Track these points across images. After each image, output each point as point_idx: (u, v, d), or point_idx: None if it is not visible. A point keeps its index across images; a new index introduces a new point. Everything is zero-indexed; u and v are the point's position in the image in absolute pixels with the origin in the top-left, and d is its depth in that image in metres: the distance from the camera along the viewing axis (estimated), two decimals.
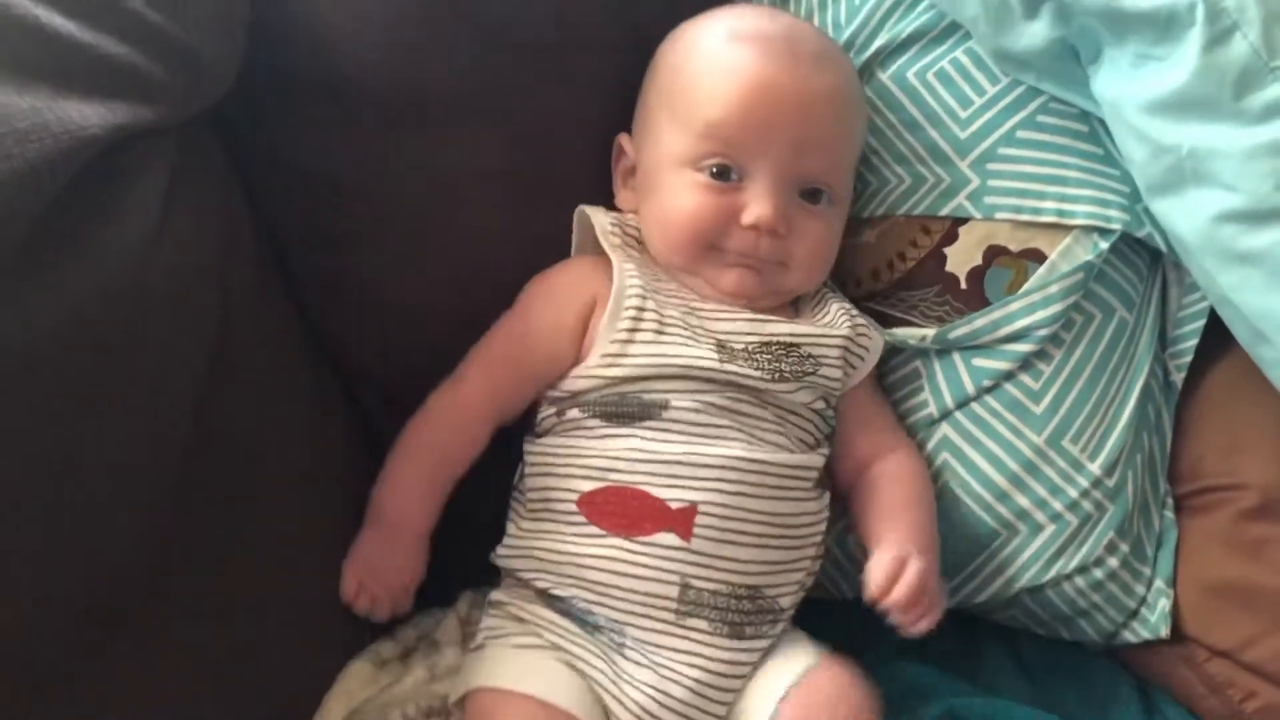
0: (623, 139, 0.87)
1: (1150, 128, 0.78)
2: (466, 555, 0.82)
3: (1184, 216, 0.78)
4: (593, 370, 0.80)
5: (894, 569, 0.77)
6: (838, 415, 0.85)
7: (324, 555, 0.80)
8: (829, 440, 0.85)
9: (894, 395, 0.90)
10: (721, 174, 0.80)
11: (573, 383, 0.81)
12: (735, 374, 0.79)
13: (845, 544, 0.89)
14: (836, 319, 0.84)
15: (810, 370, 0.81)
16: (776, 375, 0.80)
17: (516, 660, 0.76)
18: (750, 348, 0.80)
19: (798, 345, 0.81)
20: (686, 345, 0.79)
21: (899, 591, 0.76)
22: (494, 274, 0.85)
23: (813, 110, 0.80)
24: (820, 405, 0.83)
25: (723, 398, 0.79)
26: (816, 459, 0.82)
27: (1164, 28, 0.75)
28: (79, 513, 0.61)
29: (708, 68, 0.81)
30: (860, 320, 0.86)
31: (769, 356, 0.80)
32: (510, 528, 0.82)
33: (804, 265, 0.83)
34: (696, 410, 0.78)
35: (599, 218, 0.85)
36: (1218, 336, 0.85)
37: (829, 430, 0.85)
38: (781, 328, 0.81)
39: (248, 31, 0.77)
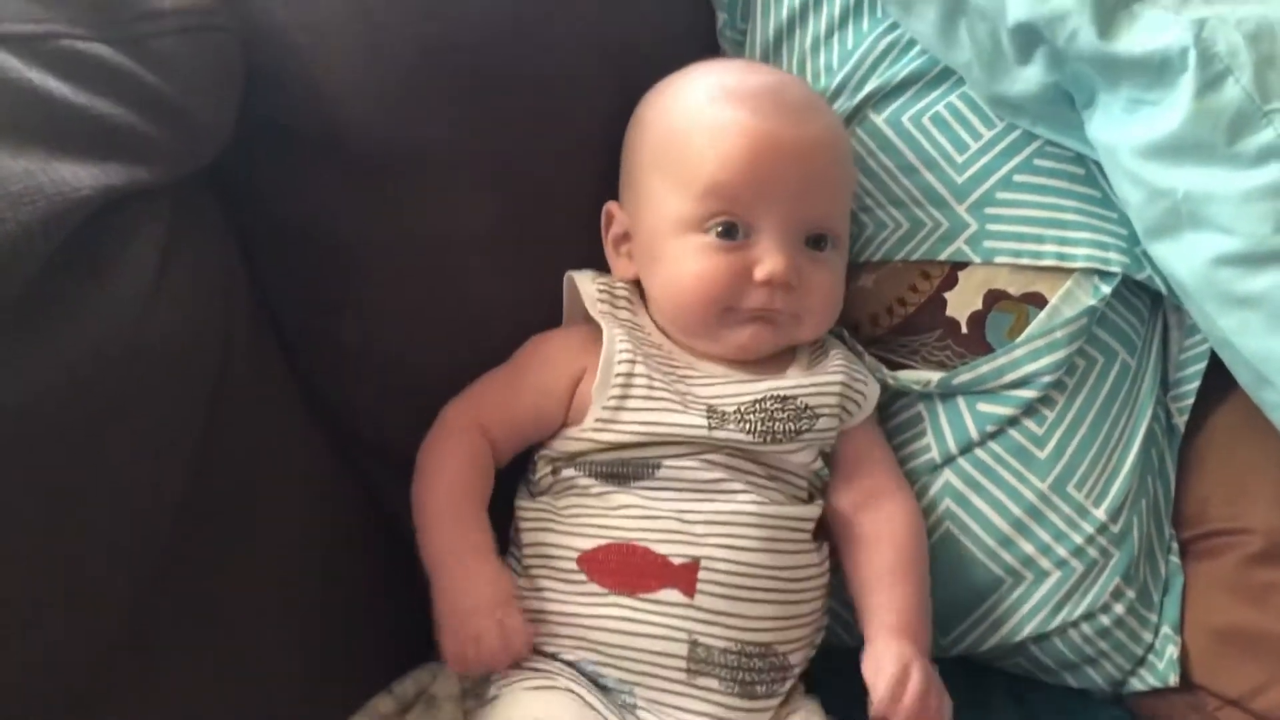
0: (612, 206, 0.86)
1: (1145, 172, 0.77)
2: None
3: (1182, 260, 0.78)
4: (586, 434, 0.79)
5: (897, 683, 0.74)
6: (832, 455, 0.84)
7: (324, 617, 0.80)
8: (823, 493, 0.84)
9: (896, 439, 0.88)
10: (728, 233, 0.79)
11: (567, 444, 0.80)
12: (726, 440, 0.78)
13: (840, 592, 0.88)
14: (832, 365, 0.83)
15: (807, 426, 0.80)
16: (769, 436, 0.79)
17: (534, 700, 0.73)
18: (742, 408, 0.79)
19: (793, 397, 0.80)
20: (676, 412, 0.78)
21: (908, 704, 0.74)
22: (487, 338, 0.85)
23: (810, 158, 0.80)
24: (818, 465, 0.82)
25: (718, 455, 0.79)
26: (813, 510, 0.81)
27: (1157, 74, 0.76)
28: (72, 574, 0.61)
29: (700, 127, 0.80)
30: (858, 369, 0.85)
31: (762, 415, 0.79)
32: (517, 584, 0.80)
33: (816, 315, 0.82)
34: (691, 469, 0.78)
35: (586, 285, 0.84)
36: (1219, 379, 0.84)
37: (823, 484, 0.84)
38: (773, 382, 0.81)
39: (243, 86, 0.77)
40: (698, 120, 0.81)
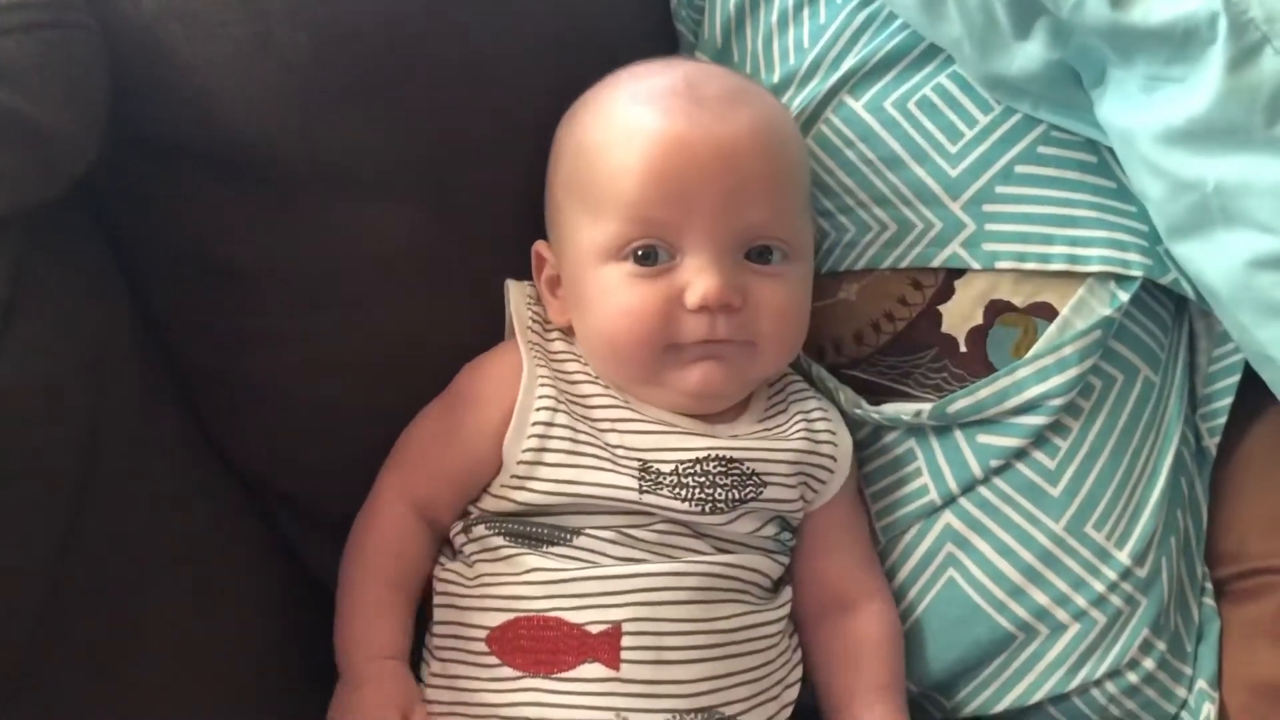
0: (540, 247, 0.79)
1: (1168, 161, 0.72)
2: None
3: (1213, 262, 0.73)
4: (502, 490, 0.73)
5: None
6: (800, 534, 0.79)
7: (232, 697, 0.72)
8: (787, 552, 0.78)
9: (887, 479, 0.82)
10: (648, 257, 0.71)
11: (484, 500, 0.74)
12: (657, 507, 0.71)
13: None
14: (791, 424, 0.77)
15: (753, 494, 0.73)
16: (708, 506, 0.72)
17: None
18: (681, 469, 0.72)
19: (738, 460, 0.73)
20: (603, 470, 0.71)
21: None
22: (410, 371, 0.78)
23: (732, 157, 0.71)
24: (770, 531, 0.76)
25: (648, 531, 0.72)
26: (766, 562, 0.75)
27: (1180, 45, 0.69)
28: None
29: (605, 139, 0.73)
30: (824, 421, 0.78)
31: (702, 480, 0.72)
32: (424, 670, 0.74)
33: (774, 339, 0.74)
34: (612, 542, 0.71)
35: (519, 306, 0.78)
36: (1255, 394, 0.79)
37: (785, 547, 0.78)
38: (719, 441, 0.74)
39: (112, 97, 0.69)
40: (603, 132, 0.74)
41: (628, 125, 0.72)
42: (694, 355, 0.72)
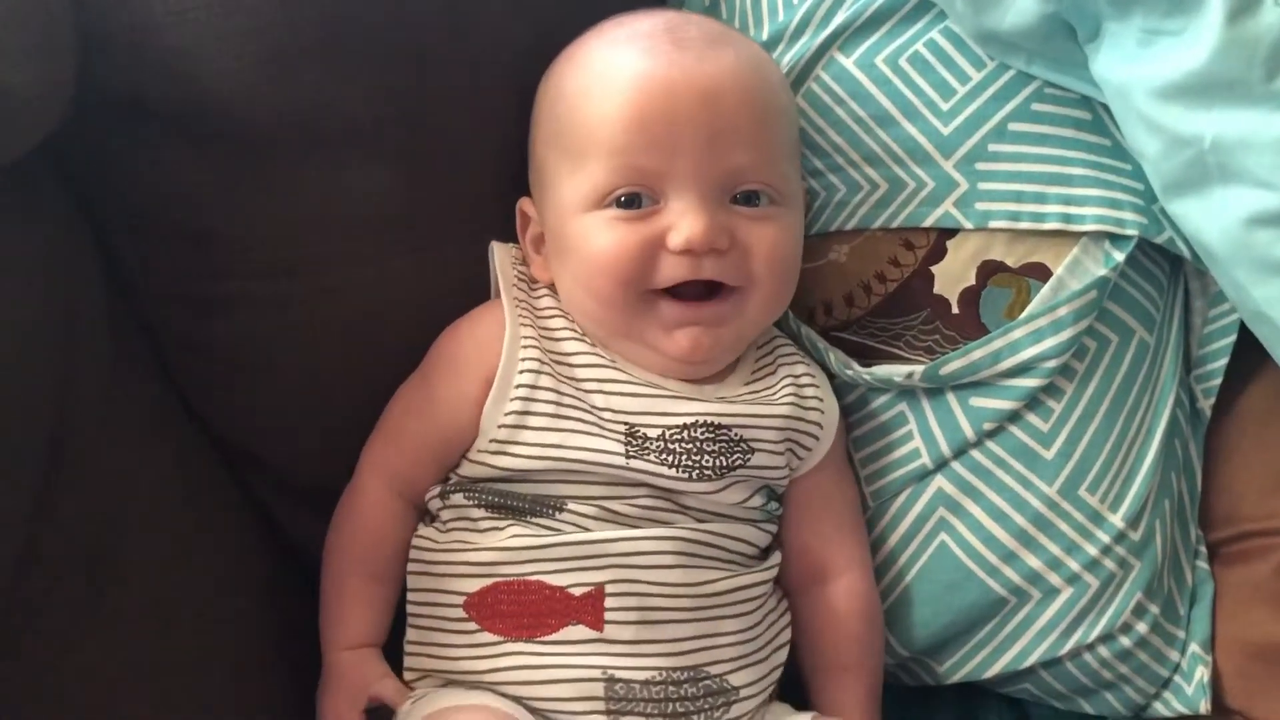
0: (524, 203, 0.77)
1: (1165, 116, 0.70)
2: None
3: (1209, 219, 0.71)
4: (481, 455, 0.71)
5: None
6: (785, 501, 0.77)
7: (208, 676, 0.70)
8: (774, 521, 0.77)
9: (878, 443, 0.80)
10: (631, 202, 0.70)
11: (462, 465, 0.72)
12: (644, 472, 0.70)
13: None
14: (779, 386, 0.75)
15: (740, 461, 0.72)
16: (695, 473, 0.70)
17: (463, 695, 0.68)
18: (668, 435, 0.70)
19: (726, 427, 0.71)
20: (588, 435, 0.70)
21: None
22: (388, 334, 0.76)
23: (715, 99, 0.69)
24: (758, 502, 0.74)
25: (629, 505, 0.70)
26: (753, 532, 0.74)
27: None
28: None
29: (585, 84, 0.71)
30: (812, 387, 0.76)
31: (689, 446, 0.70)
32: (408, 636, 0.73)
33: (766, 281, 0.71)
34: (596, 517, 0.69)
35: (505, 266, 0.75)
36: (1250, 355, 0.78)
37: (771, 517, 0.76)
38: (707, 406, 0.72)
39: (80, 55, 0.66)
40: (582, 78, 0.72)
41: (606, 69, 0.70)
42: (678, 317, 0.70)
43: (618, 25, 0.74)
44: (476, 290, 0.77)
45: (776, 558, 0.75)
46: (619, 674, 0.67)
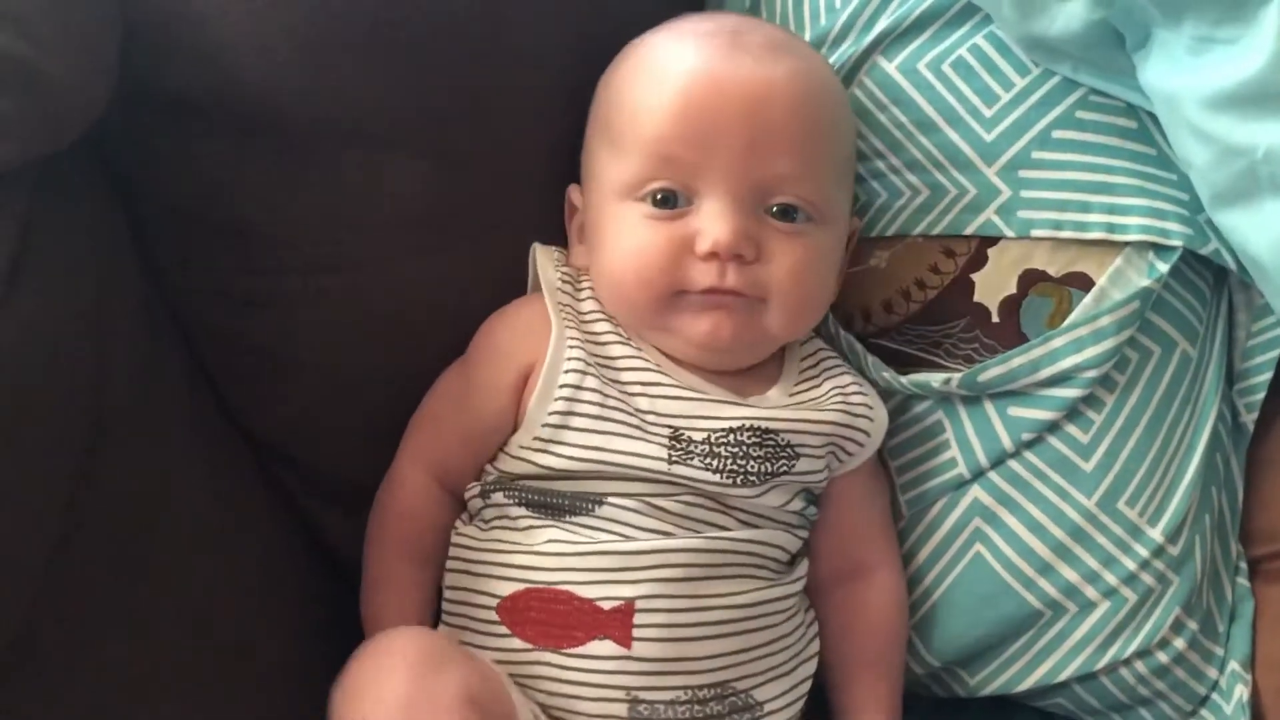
0: (572, 191, 0.77)
1: (1216, 126, 0.69)
2: None
3: (1260, 232, 0.70)
4: (523, 452, 0.71)
5: None
6: (820, 500, 0.77)
7: (240, 673, 0.70)
8: (809, 526, 0.76)
9: (914, 451, 0.79)
10: (666, 201, 0.69)
11: (503, 460, 0.72)
12: (687, 479, 0.69)
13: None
14: (827, 396, 0.74)
15: (785, 468, 0.71)
16: (739, 478, 0.70)
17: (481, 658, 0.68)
18: (713, 439, 0.70)
19: (774, 432, 0.71)
20: (631, 439, 0.69)
21: None
22: (427, 331, 0.76)
23: (763, 103, 0.68)
24: (797, 505, 0.74)
25: (674, 501, 0.69)
26: (786, 538, 0.73)
27: (1231, 5, 0.67)
28: None
29: (635, 76, 0.72)
30: (860, 395, 0.76)
31: (735, 450, 0.70)
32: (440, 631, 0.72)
33: (785, 297, 0.70)
34: (637, 512, 0.69)
35: (548, 270, 0.75)
36: None
37: (808, 522, 0.76)
38: (754, 411, 0.71)
39: (122, 48, 0.66)
40: (635, 70, 0.72)
41: (661, 62, 0.71)
42: (700, 305, 0.69)
43: (684, 21, 0.74)
44: (513, 290, 0.77)
45: (804, 568, 0.74)
46: (643, 695, 0.66)
